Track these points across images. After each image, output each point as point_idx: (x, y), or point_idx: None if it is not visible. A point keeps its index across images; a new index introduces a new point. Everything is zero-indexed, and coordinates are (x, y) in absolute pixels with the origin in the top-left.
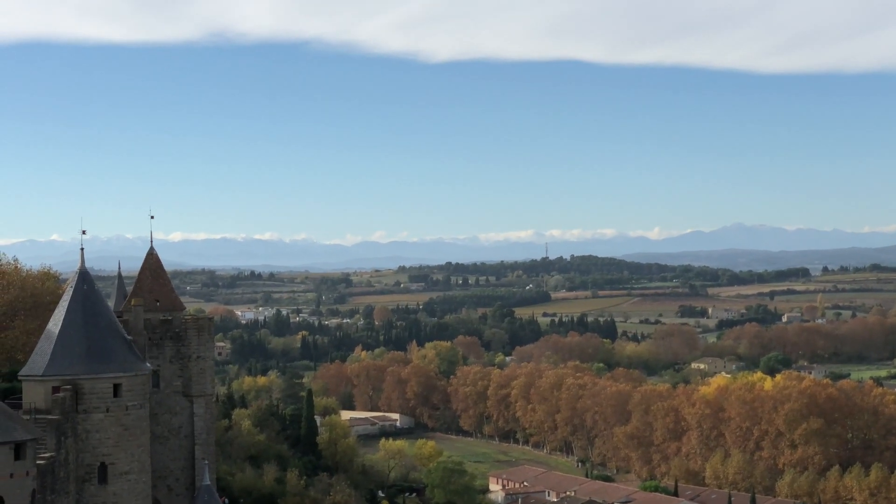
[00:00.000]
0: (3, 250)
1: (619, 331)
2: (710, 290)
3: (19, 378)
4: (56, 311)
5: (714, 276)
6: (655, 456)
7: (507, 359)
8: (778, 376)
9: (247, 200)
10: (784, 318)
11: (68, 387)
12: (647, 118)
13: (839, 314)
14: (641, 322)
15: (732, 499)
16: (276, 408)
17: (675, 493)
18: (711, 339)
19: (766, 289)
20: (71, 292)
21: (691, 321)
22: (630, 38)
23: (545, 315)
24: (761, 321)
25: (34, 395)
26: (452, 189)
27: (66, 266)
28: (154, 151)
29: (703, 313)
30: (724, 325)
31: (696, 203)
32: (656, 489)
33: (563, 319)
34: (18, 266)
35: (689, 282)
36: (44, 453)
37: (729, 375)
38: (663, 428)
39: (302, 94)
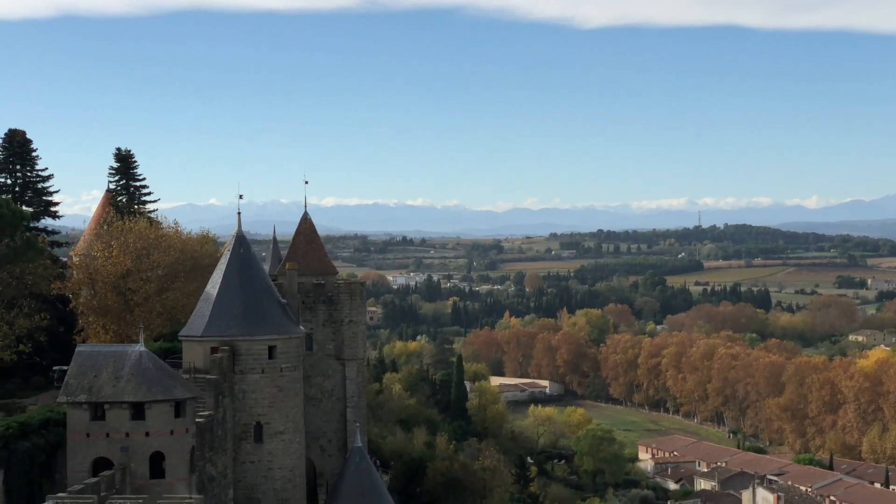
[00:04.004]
0: (164, 213)
1: (774, 301)
2: (870, 261)
3: (180, 338)
4: (214, 273)
5: (874, 247)
6: (810, 429)
7: (658, 327)
8: None
9: (399, 166)
10: None
11: (226, 348)
12: (807, 84)
13: None
14: (797, 292)
15: (890, 474)
16: (427, 373)
17: (830, 467)
18: (871, 310)
19: None
20: (228, 256)
21: (849, 292)
22: (790, 2)
23: (697, 284)
24: None
25: (193, 355)
26: (605, 156)
27: (224, 230)
28: (309, 117)
29: (862, 284)
30: (884, 296)
31: (856, 171)
32: (810, 462)
33: (716, 289)
34: (179, 229)
35: (848, 252)
36: (203, 412)
37: (889, 348)
38: (818, 400)
39: (455, 59)
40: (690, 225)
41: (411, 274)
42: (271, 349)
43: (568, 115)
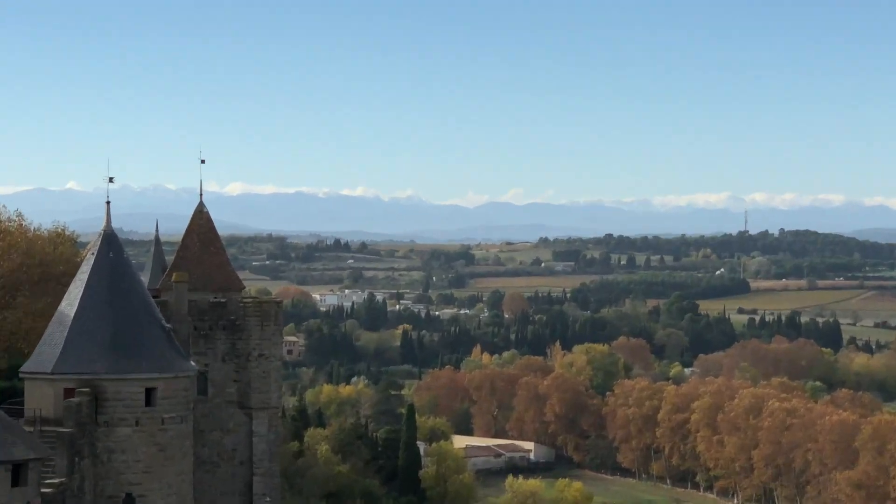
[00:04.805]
0: (3, 201)
1: (845, 337)
2: None
3: (21, 376)
4: (72, 286)
5: None
6: None
7: (687, 371)
8: None
9: (332, 143)
10: None
11: (86, 389)
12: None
13: None
14: (877, 326)
15: None
16: (365, 428)
17: None
18: None
19: None
20: (92, 261)
21: None
22: None
23: (741, 312)
24: None
25: (40, 398)
26: (617, 135)
27: (86, 225)
28: (207, 75)
29: None
30: None
31: None
32: None
33: (767, 319)
34: (23, 223)
35: None
36: (51, 478)
37: None
38: None
39: (408, 15)
40: (733, 230)
41: (346, 291)
42: (150, 393)
43: (566, 76)
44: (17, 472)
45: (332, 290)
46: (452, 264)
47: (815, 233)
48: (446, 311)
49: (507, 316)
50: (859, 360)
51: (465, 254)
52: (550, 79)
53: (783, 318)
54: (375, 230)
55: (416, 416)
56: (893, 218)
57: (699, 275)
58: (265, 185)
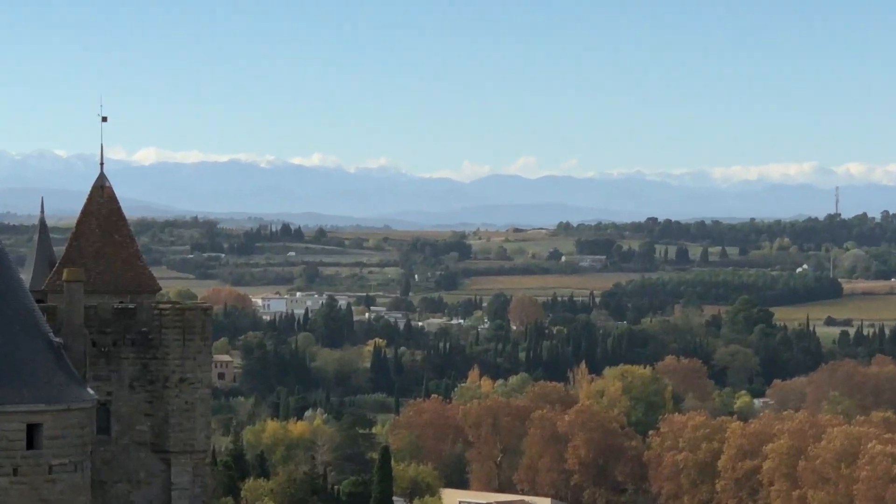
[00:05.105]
0: None
1: None
2: None
3: None
4: None
5: None
6: None
7: (758, 402)
8: None
9: (278, 98)
10: None
11: None
12: None
13: None
14: None
15: None
16: (324, 480)
17: None
18: None
19: None
20: None
21: None
22: None
23: (830, 323)
24: None
25: None
26: (663, 86)
27: None
28: (109, 13)
29: None
30: None
31: None
32: None
33: (865, 332)
34: None
35: None
36: None
37: None
38: None
39: None
40: (820, 213)
41: (298, 295)
42: (32, 431)
43: (593, 8)
44: None
45: (278, 292)
46: (441, 258)
47: None
48: (433, 320)
49: (514, 328)
50: None
51: (458, 244)
52: (572, 11)
53: (886, 331)
54: (337, 212)
55: (393, 462)
56: None
57: (774, 273)
58: (188, 150)
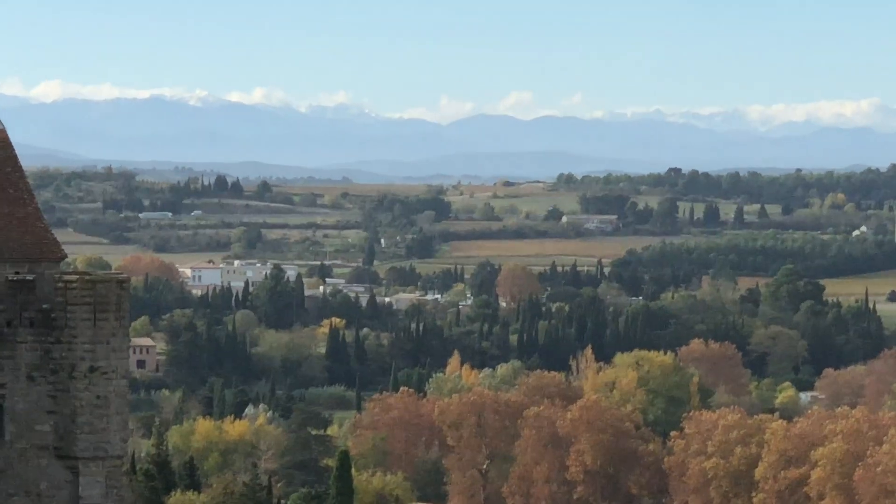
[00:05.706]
0: None
1: None
2: None
3: None
4: None
5: None
6: None
7: (805, 396)
8: None
9: (210, 18)
10: None
11: None
12: None
13: None
14: None
15: None
16: (268, 492)
17: None
18: None
19: None
20: None
21: None
22: None
23: (894, 299)
24: None
25: None
26: (687, 7)
27: None
28: None
29: None
30: None
31: None
32: None
33: None
34: None
35: None
36: None
37: None
38: None
39: None
40: (883, 163)
41: (237, 263)
42: None
43: None
44: None
45: (211, 261)
46: (413, 218)
47: None
48: (403, 296)
49: (503, 305)
50: None
51: (434, 200)
52: None
53: None
54: (284, 161)
55: (353, 471)
56: None
57: (825, 237)
58: (99, 84)
